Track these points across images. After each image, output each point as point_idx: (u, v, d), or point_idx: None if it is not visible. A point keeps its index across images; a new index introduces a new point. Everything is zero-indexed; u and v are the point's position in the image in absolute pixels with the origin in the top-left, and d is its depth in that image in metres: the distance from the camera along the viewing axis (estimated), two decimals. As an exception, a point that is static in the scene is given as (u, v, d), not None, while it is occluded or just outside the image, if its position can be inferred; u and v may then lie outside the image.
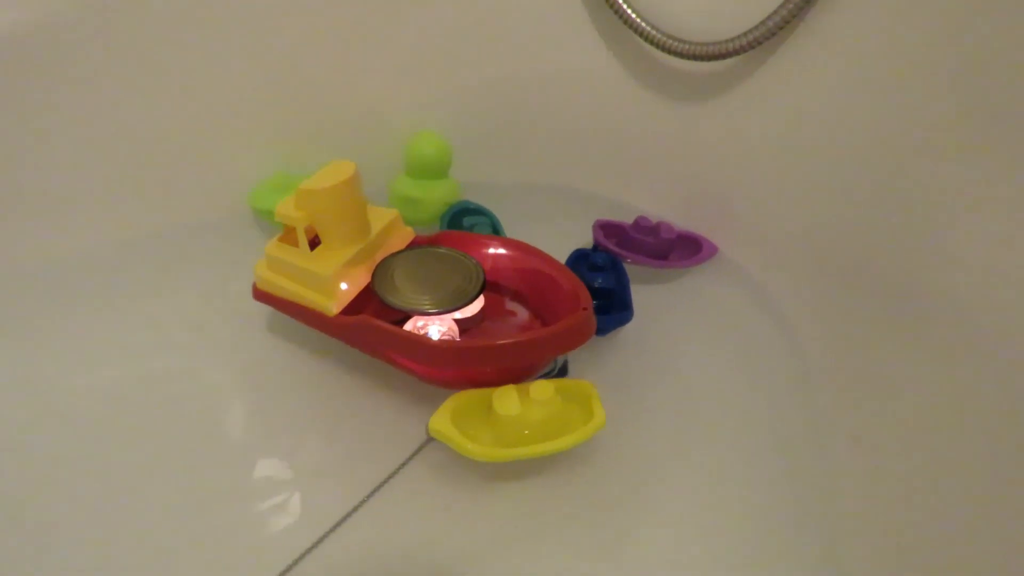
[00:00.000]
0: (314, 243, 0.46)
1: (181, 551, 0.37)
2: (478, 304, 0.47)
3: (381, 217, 0.49)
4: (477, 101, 0.67)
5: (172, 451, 0.43)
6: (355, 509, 0.39)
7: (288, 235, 0.47)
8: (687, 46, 0.53)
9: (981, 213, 0.37)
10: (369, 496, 0.40)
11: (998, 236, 0.36)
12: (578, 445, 0.39)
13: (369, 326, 0.43)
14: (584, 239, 0.59)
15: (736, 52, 0.51)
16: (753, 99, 0.56)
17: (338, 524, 0.39)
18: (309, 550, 0.37)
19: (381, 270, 0.46)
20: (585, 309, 0.42)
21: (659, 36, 0.55)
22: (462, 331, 0.47)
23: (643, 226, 0.58)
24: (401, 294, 0.44)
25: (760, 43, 0.50)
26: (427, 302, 0.44)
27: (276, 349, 0.50)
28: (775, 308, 0.55)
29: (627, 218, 0.60)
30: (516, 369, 0.44)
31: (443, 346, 0.41)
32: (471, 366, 0.43)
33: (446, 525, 0.39)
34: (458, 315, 0.46)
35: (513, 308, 0.51)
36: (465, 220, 0.60)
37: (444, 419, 0.40)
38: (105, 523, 0.38)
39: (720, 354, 0.51)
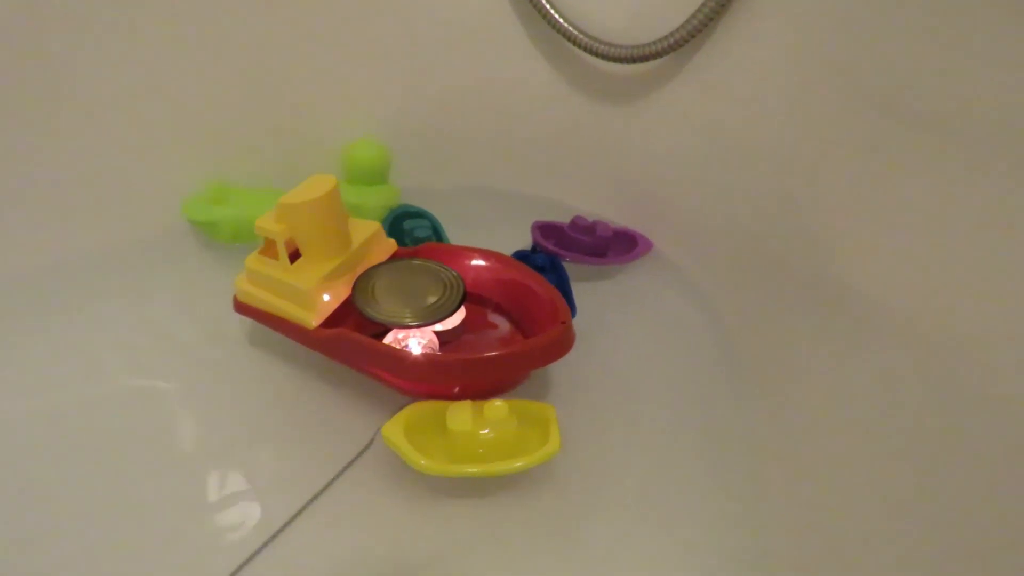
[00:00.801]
0: (294, 256, 0.46)
1: (131, 558, 0.37)
2: (459, 316, 0.48)
3: (363, 230, 0.49)
4: (414, 107, 0.68)
5: (119, 468, 0.42)
6: (301, 510, 0.40)
7: (268, 248, 0.47)
8: (614, 49, 0.56)
9: (883, 211, 0.39)
10: (317, 495, 0.40)
11: (897, 232, 0.38)
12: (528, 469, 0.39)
13: (348, 339, 0.43)
14: (523, 240, 0.61)
15: (660, 54, 0.54)
16: (678, 100, 0.58)
17: (285, 525, 0.39)
18: (259, 550, 0.37)
19: (361, 283, 0.46)
20: (563, 323, 0.43)
21: (587, 40, 0.58)
22: (443, 343, 0.48)
23: (580, 225, 0.59)
24: (381, 307, 0.44)
25: (682, 44, 0.53)
26: (407, 315, 0.44)
27: (220, 360, 0.50)
28: (705, 300, 0.58)
29: (564, 218, 0.61)
30: (494, 382, 0.45)
31: (420, 360, 0.41)
32: (448, 380, 0.43)
33: (402, 527, 0.40)
34: (439, 327, 0.47)
35: (494, 320, 0.51)
36: (406, 224, 0.61)
37: (397, 428, 0.40)
38: (53, 537, 0.38)
39: (656, 346, 0.53)
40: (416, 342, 0.46)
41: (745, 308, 0.53)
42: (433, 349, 0.47)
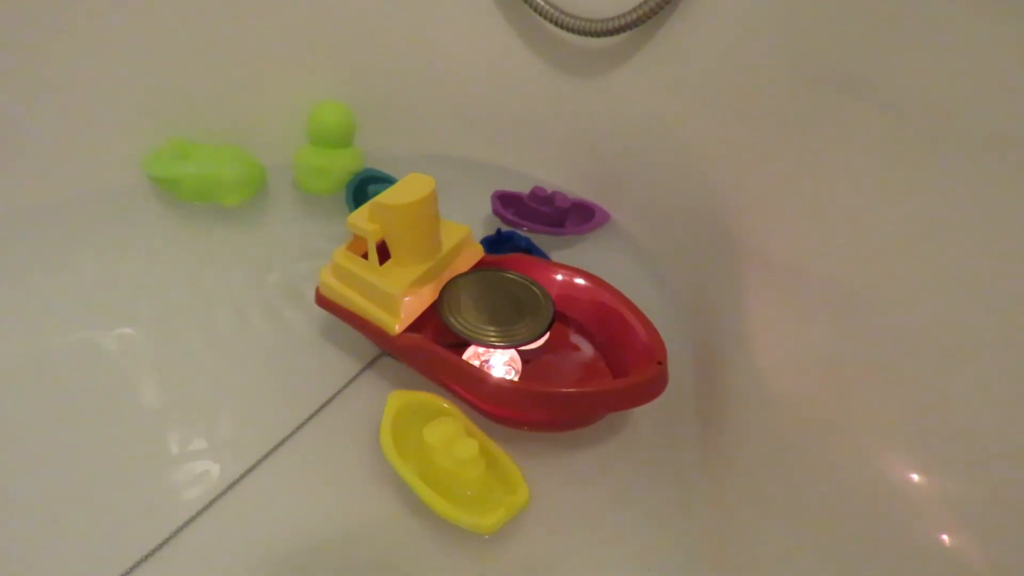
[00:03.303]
0: (383, 255, 0.44)
1: (87, 506, 0.38)
2: (544, 337, 0.45)
3: (453, 234, 0.47)
4: (378, 73, 0.68)
5: (74, 418, 0.42)
6: (265, 457, 0.40)
7: (356, 243, 0.45)
8: (579, 22, 0.58)
9: (830, 187, 0.39)
10: (281, 444, 0.41)
11: (842, 208, 0.38)
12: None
13: (430, 352, 0.41)
14: (484, 207, 0.62)
15: (623, 28, 0.56)
16: (638, 75, 0.60)
17: (247, 472, 0.40)
18: (214, 500, 0.38)
19: (449, 293, 0.44)
20: (660, 363, 0.40)
21: (553, 12, 0.59)
22: (524, 361, 0.46)
23: (539, 195, 0.60)
24: (467, 322, 0.42)
25: (644, 20, 0.55)
26: (493, 334, 0.42)
27: (182, 315, 0.50)
28: (659, 272, 0.59)
29: (524, 188, 0.62)
30: (575, 417, 0.43)
31: (504, 386, 0.39)
32: (527, 409, 0.41)
33: (358, 486, 0.40)
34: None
35: (576, 342, 0.48)
36: (370, 188, 0.60)
37: (396, 403, 0.41)
38: (9, 486, 0.38)
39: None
40: (499, 359, 0.44)
41: (695, 280, 0.54)
42: (515, 367, 0.45)
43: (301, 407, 0.44)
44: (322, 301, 0.47)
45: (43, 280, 0.52)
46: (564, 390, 0.39)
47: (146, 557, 0.35)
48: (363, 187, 0.62)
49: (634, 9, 0.55)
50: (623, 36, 0.59)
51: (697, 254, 0.54)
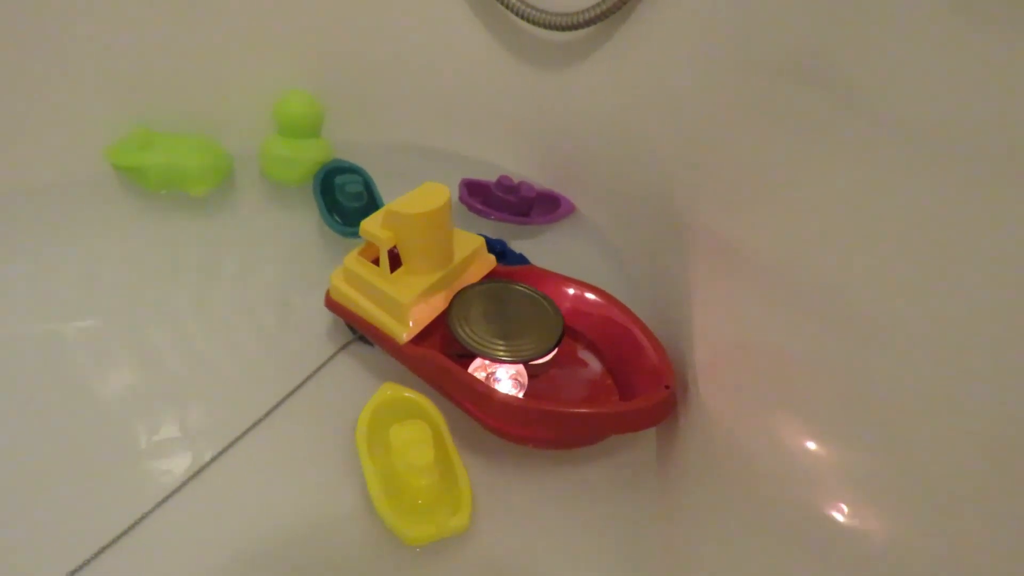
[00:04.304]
0: (395, 263, 0.44)
1: (49, 496, 0.38)
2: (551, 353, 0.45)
3: (465, 244, 0.46)
4: (345, 62, 0.68)
5: (45, 411, 0.42)
6: (240, 437, 0.41)
7: (369, 249, 0.45)
8: (545, 16, 0.59)
9: (783, 174, 0.39)
10: (253, 426, 0.42)
11: (794, 195, 0.38)
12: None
13: (437, 363, 0.41)
14: (451, 195, 0.63)
15: (589, 23, 0.57)
16: (601, 68, 0.61)
17: (217, 456, 0.40)
18: (181, 486, 0.38)
19: (459, 303, 0.44)
20: (668, 387, 0.39)
21: (520, 5, 0.60)
22: (530, 376, 0.45)
23: (505, 184, 0.61)
24: (476, 334, 0.42)
25: (609, 15, 0.56)
26: (501, 347, 0.42)
27: (147, 307, 0.50)
28: (624, 263, 0.60)
29: (491, 177, 0.63)
30: (580, 437, 0.42)
31: (512, 403, 0.39)
32: (532, 427, 0.41)
33: (323, 479, 0.40)
34: (529, 360, 0.44)
35: (585, 357, 0.48)
36: (338, 179, 0.60)
37: (382, 395, 0.41)
38: None
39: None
40: (505, 371, 0.44)
41: (656, 271, 0.54)
42: (521, 381, 0.44)
43: (274, 395, 0.44)
44: (332, 304, 0.47)
45: (6, 270, 0.51)
46: (571, 410, 0.38)
47: (109, 545, 0.35)
48: (330, 178, 0.62)
49: (598, 4, 0.55)
50: (588, 30, 0.60)
51: (657, 246, 0.54)
